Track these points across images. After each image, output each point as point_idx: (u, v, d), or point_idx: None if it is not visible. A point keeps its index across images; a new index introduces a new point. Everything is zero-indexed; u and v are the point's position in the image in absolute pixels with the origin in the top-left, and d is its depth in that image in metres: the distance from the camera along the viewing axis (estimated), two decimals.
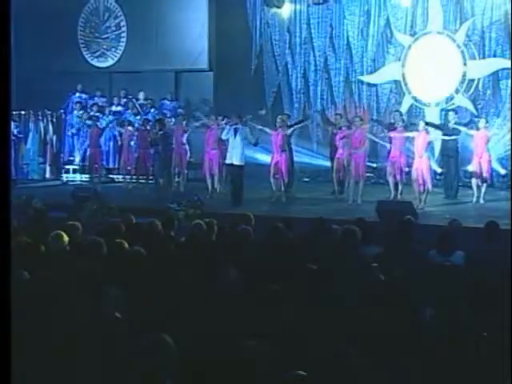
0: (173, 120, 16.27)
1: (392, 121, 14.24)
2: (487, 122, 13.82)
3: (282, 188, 13.75)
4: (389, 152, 13.73)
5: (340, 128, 14.31)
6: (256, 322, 4.60)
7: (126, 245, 6.71)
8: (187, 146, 15.73)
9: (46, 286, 5.42)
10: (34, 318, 4.65)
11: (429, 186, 12.94)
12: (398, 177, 13.29)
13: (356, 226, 7.56)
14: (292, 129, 14.18)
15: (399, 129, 13.50)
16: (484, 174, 13.26)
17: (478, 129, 13.54)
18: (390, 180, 13.43)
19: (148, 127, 16.60)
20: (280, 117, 14.17)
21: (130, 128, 16.74)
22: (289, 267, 6.15)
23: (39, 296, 5.25)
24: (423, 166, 12.99)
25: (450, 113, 14.39)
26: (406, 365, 4.09)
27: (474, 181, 13.40)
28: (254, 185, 14.42)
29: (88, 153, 16.76)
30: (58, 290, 5.36)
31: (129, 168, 16.69)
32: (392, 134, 13.58)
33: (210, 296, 5.22)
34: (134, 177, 16.50)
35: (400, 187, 13.33)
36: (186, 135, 15.57)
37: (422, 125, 13.35)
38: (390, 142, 13.63)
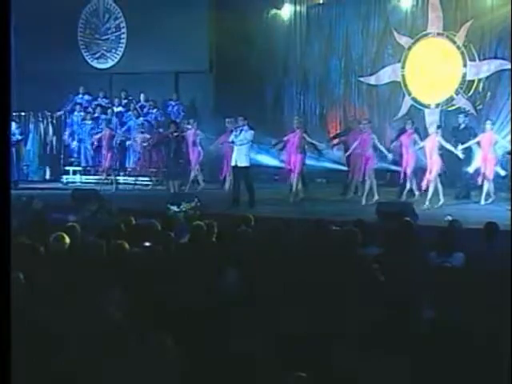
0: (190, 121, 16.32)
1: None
2: (493, 123, 13.85)
3: (299, 188, 14.04)
4: (401, 155, 13.90)
5: (351, 130, 14.49)
6: (256, 322, 4.61)
7: (127, 246, 6.71)
8: (200, 147, 15.81)
9: (47, 287, 5.43)
10: (34, 319, 4.65)
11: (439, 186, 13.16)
12: (412, 179, 13.52)
13: (356, 228, 7.58)
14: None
15: (409, 131, 13.71)
16: (488, 176, 13.32)
17: (484, 131, 13.60)
18: (408, 183, 13.60)
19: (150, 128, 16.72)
20: (297, 118, 14.58)
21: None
22: (289, 268, 6.15)
23: (39, 296, 5.26)
24: (434, 167, 13.14)
25: (460, 115, 14.45)
26: (405, 366, 4.09)
27: (479, 182, 13.46)
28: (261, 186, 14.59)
29: (103, 155, 16.77)
30: (59, 290, 5.37)
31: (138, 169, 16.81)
32: (403, 138, 13.80)
33: (210, 297, 5.23)
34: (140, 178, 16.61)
35: (414, 189, 13.53)
36: (198, 137, 15.67)
37: (432, 128, 13.46)
38: (401, 146, 13.82)
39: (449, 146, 13.38)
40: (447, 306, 5.19)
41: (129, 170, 17.51)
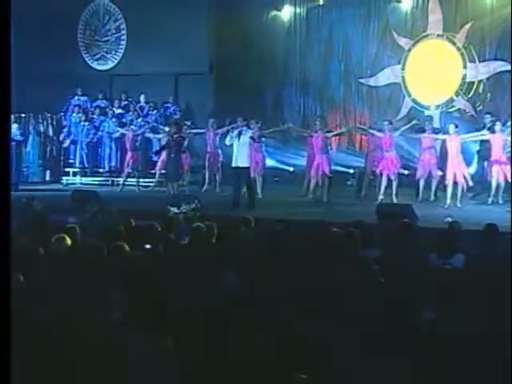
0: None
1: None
2: (503, 124, 13.90)
3: (325, 189, 14.16)
4: (419, 154, 14.06)
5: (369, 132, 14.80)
6: (256, 323, 4.61)
7: (127, 247, 6.71)
8: (219, 150, 15.71)
9: (47, 288, 5.43)
10: (34, 320, 4.65)
11: (464, 186, 13.40)
12: (429, 178, 13.72)
13: (356, 229, 7.58)
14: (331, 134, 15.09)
15: (428, 131, 13.86)
16: (501, 177, 13.36)
17: (493, 132, 13.61)
18: (421, 182, 13.83)
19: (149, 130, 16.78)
20: (318, 119, 14.77)
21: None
22: (288, 269, 6.15)
23: (39, 297, 5.26)
24: (457, 167, 13.32)
25: (487, 115, 14.44)
26: (405, 367, 4.10)
27: (493, 183, 13.49)
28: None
29: (126, 157, 16.84)
30: (59, 291, 5.37)
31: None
32: (422, 137, 13.94)
33: (210, 298, 5.23)
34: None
35: (434, 188, 13.78)
36: (217, 138, 15.58)
37: (452, 128, 13.57)
38: (420, 146, 13.99)
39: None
40: (447, 307, 5.19)
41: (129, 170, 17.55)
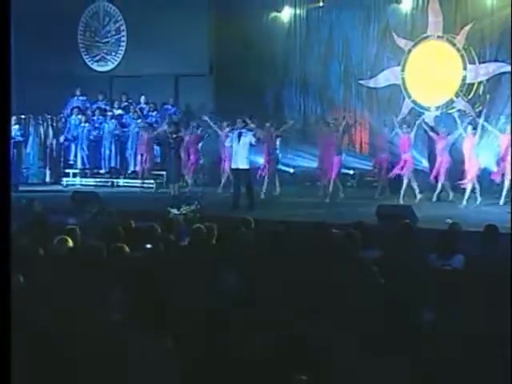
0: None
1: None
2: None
3: (330, 190, 14.35)
4: (429, 154, 14.44)
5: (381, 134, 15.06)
6: (256, 323, 4.61)
7: (127, 249, 6.71)
8: (230, 149, 15.62)
9: (47, 289, 5.44)
10: (34, 320, 4.65)
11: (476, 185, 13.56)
12: (443, 178, 13.85)
13: (356, 230, 7.58)
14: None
15: (442, 135, 14.07)
16: (509, 176, 13.42)
17: (503, 132, 13.68)
18: (438, 181, 14.03)
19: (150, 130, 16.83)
20: (333, 122, 15.03)
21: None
22: (288, 270, 6.15)
23: (39, 299, 5.26)
24: (473, 167, 13.48)
25: (502, 117, 14.55)
26: (405, 367, 4.10)
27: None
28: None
29: (140, 158, 16.90)
30: (59, 293, 5.37)
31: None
32: (438, 139, 14.15)
33: (210, 299, 5.23)
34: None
35: (440, 188, 14.00)
36: (228, 139, 15.50)
37: (469, 128, 13.72)
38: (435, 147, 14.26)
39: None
40: (447, 307, 5.19)
41: (130, 172, 17.57)
